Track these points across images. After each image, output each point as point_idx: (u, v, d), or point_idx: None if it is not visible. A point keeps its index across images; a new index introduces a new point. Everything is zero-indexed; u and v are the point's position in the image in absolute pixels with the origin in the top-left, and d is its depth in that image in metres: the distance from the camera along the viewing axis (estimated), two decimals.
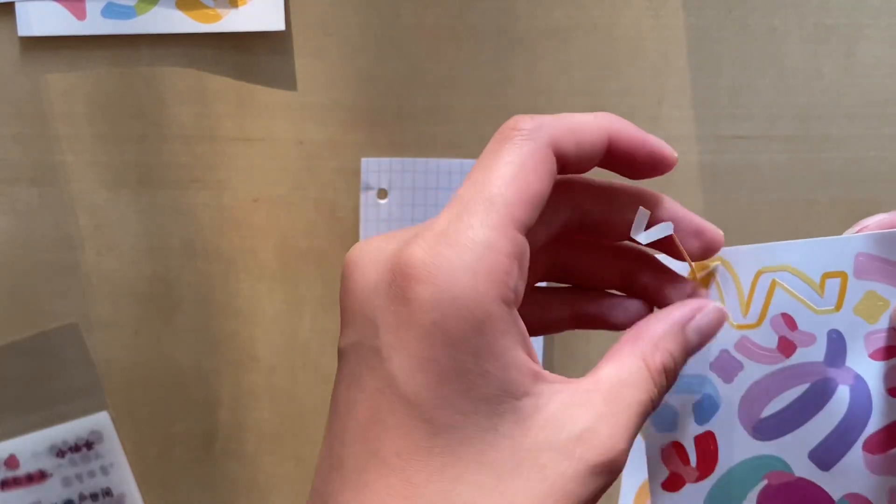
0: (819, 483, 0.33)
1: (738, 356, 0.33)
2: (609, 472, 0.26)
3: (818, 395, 0.32)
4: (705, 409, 0.34)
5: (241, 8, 0.43)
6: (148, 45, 0.44)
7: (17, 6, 0.44)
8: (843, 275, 0.31)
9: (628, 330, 0.30)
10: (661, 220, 0.31)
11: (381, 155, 0.44)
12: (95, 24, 0.44)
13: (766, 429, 0.33)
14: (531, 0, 0.42)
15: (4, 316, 0.47)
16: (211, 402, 0.47)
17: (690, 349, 0.31)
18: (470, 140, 0.43)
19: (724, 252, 0.32)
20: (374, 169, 0.43)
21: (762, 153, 0.42)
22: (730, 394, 0.33)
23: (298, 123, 0.44)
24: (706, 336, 0.32)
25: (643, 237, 0.30)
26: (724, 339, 0.33)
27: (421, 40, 0.43)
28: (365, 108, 0.44)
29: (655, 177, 0.30)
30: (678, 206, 0.31)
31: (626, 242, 0.31)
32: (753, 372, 0.33)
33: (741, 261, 0.32)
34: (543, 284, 0.31)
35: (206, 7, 0.43)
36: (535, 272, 0.30)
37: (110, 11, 0.44)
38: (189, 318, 0.46)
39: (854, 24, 0.41)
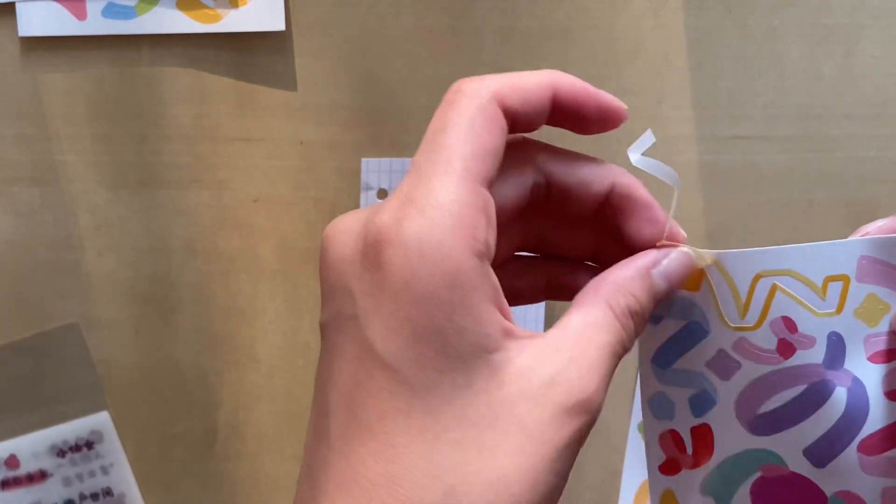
0: (813, 479, 0.33)
1: (736, 356, 0.33)
2: (584, 412, 0.27)
3: (816, 396, 0.32)
4: (702, 402, 0.34)
5: (241, 8, 0.43)
6: (148, 46, 0.44)
7: (18, 6, 0.44)
8: (845, 278, 0.31)
9: (594, 279, 0.30)
10: (620, 194, 0.31)
11: (381, 155, 0.44)
12: (96, 24, 0.44)
13: (763, 424, 0.33)
14: (531, 0, 0.42)
15: (5, 316, 0.47)
16: (211, 401, 0.47)
17: (658, 293, 0.32)
18: None
19: (719, 254, 0.32)
20: (374, 169, 0.43)
21: (762, 153, 0.42)
22: (727, 390, 0.33)
23: (299, 123, 0.44)
24: (673, 280, 0.32)
25: (635, 156, 0.31)
26: (721, 340, 0.33)
27: (421, 40, 0.43)
28: (365, 108, 0.44)
29: (608, 131, 0.30)
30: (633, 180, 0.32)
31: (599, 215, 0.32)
32: (751, 371, 0.33)
33: (737, 264, 0.32)
34: (523, 254, 0.32)
35: (207, 7, 0.43)
36: (510, 242, 0.31)
37: (111, 11, 0.44)
38: (189, 318, 0.47)
39: (854, 25, 0.41)
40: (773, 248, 0.32)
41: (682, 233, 0.32)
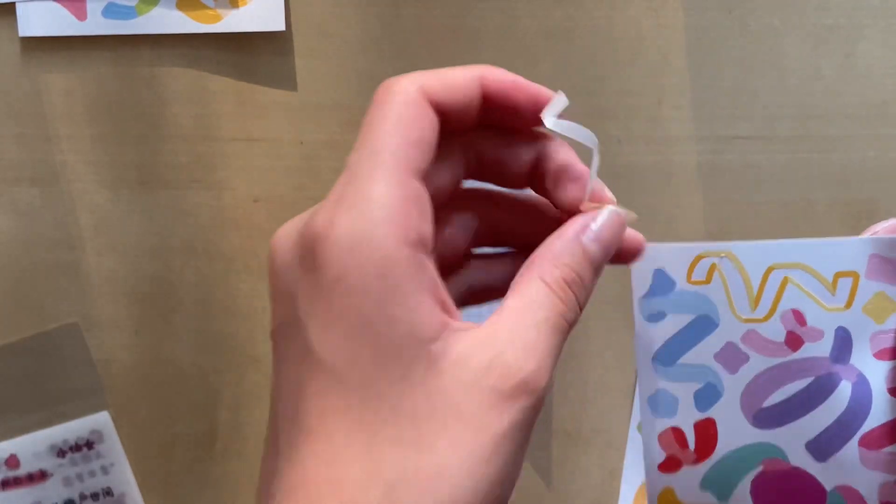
0: (813, 473, 0.33)
1: (745, 348, 0.34)
2: (524, 393, 0.26)
3: (820, 389, 0.33)
4: (707, 396, 0.34)
5: (241, 8, 0.43)
6: (149, 46, 0.44)
7: (18, 6, 0.44)
8: (855, 275, 0.32)
9: (528, 258, 0.30)
10: (554, 164, 0.31)
11: None
12: (96, 24, 0.44)
13: (767, 418, 0.34)
14: (531, 0, 0.42)
15: (5, 316, 0.47)
16: (211, 401, 0.47)
17: (594, 259, 0.31)
18: None
19: (733, 246, 0.33)
20: None
21: (762, 153, 0.42)
22: (733, 384, 0.34)
23: (299, 123, 0.44)
24: (606, 242, 0.31)
25: (549, 119, 0.30)
26: (731, 332, 0.34)
27: (421, 41, 0.43)
28: (365, 108, 0.44)
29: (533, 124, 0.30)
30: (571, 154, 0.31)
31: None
32: (759, 364, 0.33)
33: (751, 256, 0.33)
34: (487, 251, 0.31)
35: (207, 7, 0.43)
36: (455, 169, 0.30)
37: (111, 12, 0.44)
38: (189, 317, 0.47)
39: (853, 25, 0.41)
40: (787, 241, 0.32)
41: (609, 194, 0.31)
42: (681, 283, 0.34)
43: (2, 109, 0.46)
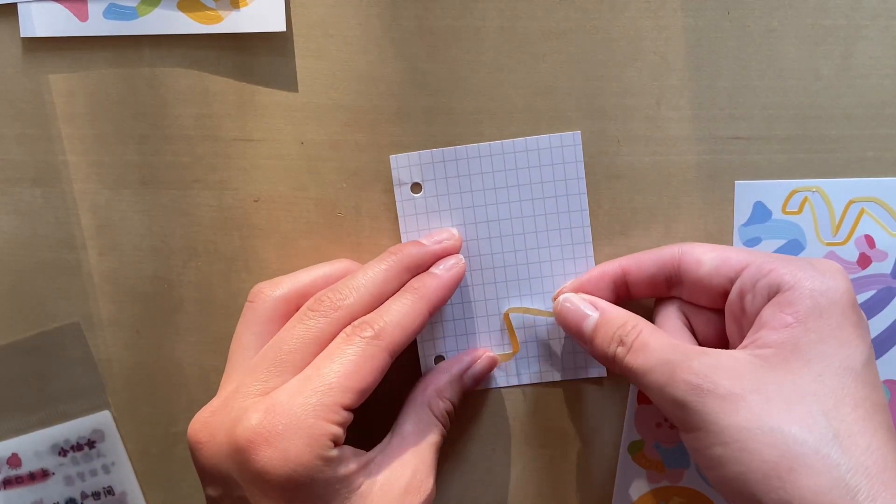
0: None
1: None
2: (428, 502, 0.37)
3: (881, 300, 0.41)
4: None
5: (242, 9, 0.43)
6: (150, 46, 0.44)
7: (20, 7, 0.44)
8: None
9: (420, 381, 0.42)
10: None
11: (381, 155, 0.44)
12: (97, 25, 0.44)
13: None
14: (531, 0, 0.42)
15: (6, 315, 0.47)
16: None
17: (467, 391, 0.43)
18: (470, 140, 0.43)
19: (821, 182, 0.41)
20: (403, 164, 0.43)
21: (760, 153, 0.42)
22: None
23: (299, 124, 0.44)
24: (479, 380, 0.43)
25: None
26: (815, 253, 0.42)
27: (421, 41, 0.43)
28: (365, 109, 0.44)
29: None
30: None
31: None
32: None
33: (836, 191, 0.41)
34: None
35: (208, 8, 0.43)
36: None
37: (112, 13, 0.44)
38: (190, 317, 0.47)
39: (852, 26, 0.41)
40: (866, 180, 0.41)
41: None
42: (776, 213, 0.42)
43: (3, 110, 0.46)
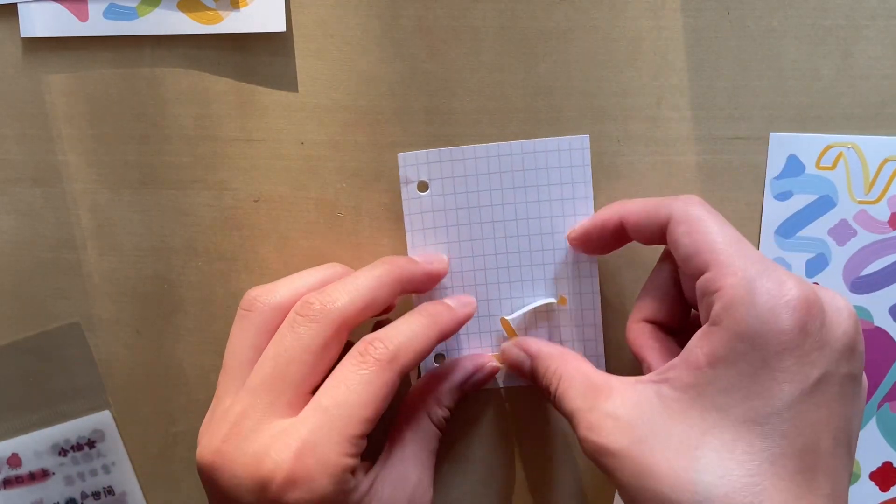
0: (892, 333, 0.42)
1: (855, 225, 0.41)
2: None
3: None
4: (817, 265, 0.42)
5: (242, 9, 0.43)
6: (150, 47, 0.44)
7: (20, 7, 0.44)
8: None
9: (419, 384, 0.42)
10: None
11: (382, 155, 0.44)
12: (97, 25, 0.44)
13: (862, 284, 0.41)
14: (531, 0, 0.42)
15: (6, 315, 0.47)
16: (212, 401, 0.47)
17: (465, 396, 0.43)
18: (470, 141, 0.43)
19: (857, 139, 0.41)
20: (411, 163, 0.43)
21: (760, 154, 0.42)
22: (840, 254, 0.41)
23: (299, 124, 0.44)
24: (481, 387, 0.43)
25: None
26: (846, 211, 0.41)
27: (421, 41, 0.43)
28: (365, 109, 0.44)
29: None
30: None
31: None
32: (864, 239, 0.41)
33: (872, 148, 0.41)
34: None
35: (208, 8, 0.43)
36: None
37: (112, 13, 0.44)
38: (190, 317, 0.47)
39: (852, 26, 0.41)
40: None
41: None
42: (809, 168, 0.41)
43: (3, 110, 0.46)
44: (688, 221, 0.34)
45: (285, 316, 0.38)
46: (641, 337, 0.38)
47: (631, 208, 0.38)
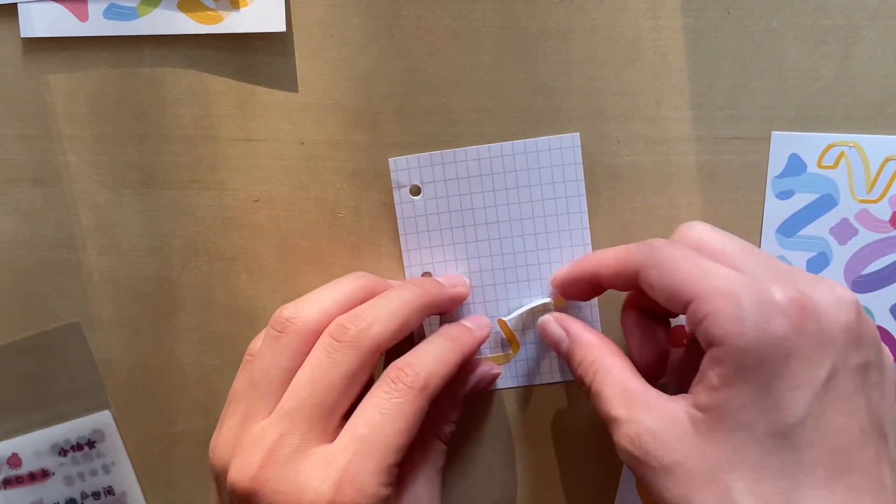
0: (892, 332, 0.42)
1: (856, 224, 0.41)
2: None
3: None
4: (818, 264, 0.42)
5: (242, 9, 0.43)
6: (150, 47, 0.44)
7: (20, 7, 0.44)
8: None
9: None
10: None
11: (382, 154, 0.44)
12: (97, 25, 0.44)
13: (863, 283, 0.42)
14: (531, 0, 0.42)
15: (6, 315, 0.47)
16: (212, 401, 0.47)
17: (467, 404, 0.44)
18: (470, 141, 0.43)
19: (859, 138, 0.41)
20: (402, 167, 0.43)
21: (760, 154, 0.42)
22: (841, 253, 0.41)
23: (299, 124, 0.44)
24: (482, 392, 0.44)
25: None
26: (847, 210, 0.41)
27: (421, 41, 0.43)
28: (365, 109, 0.44)
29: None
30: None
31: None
32: (865, 238, 0.41)
33: (874, 147, 0.41)
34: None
35: (208, 9, 0.43)
36: None
37: (112, 13, 0.44)
38: (190, 317, 0.47)
39: (852, 26, 0.41)
40: None
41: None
42: (811, 167, 0.41)
43: (3, 110, 0.46)
44: (656, 266, 0.35)
45: (317, 337, 0.38)
46: (629, 323, 0.39)
47: (603, 262, 0.38)
